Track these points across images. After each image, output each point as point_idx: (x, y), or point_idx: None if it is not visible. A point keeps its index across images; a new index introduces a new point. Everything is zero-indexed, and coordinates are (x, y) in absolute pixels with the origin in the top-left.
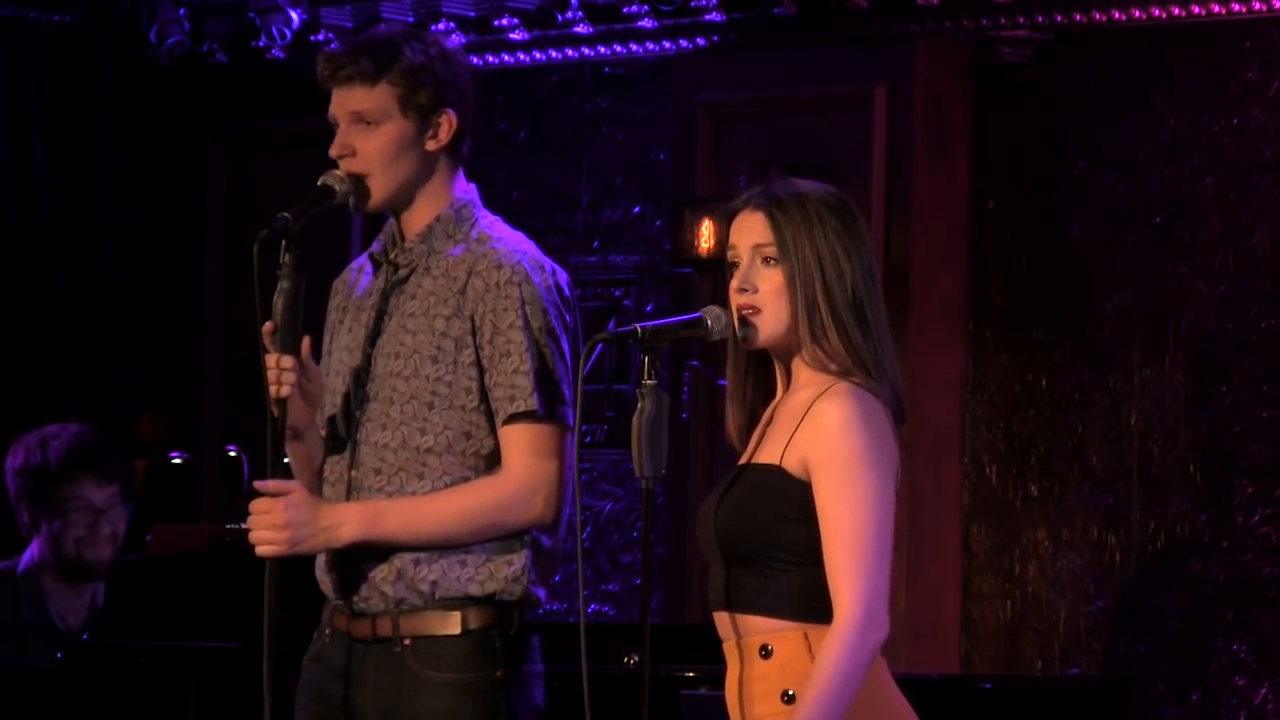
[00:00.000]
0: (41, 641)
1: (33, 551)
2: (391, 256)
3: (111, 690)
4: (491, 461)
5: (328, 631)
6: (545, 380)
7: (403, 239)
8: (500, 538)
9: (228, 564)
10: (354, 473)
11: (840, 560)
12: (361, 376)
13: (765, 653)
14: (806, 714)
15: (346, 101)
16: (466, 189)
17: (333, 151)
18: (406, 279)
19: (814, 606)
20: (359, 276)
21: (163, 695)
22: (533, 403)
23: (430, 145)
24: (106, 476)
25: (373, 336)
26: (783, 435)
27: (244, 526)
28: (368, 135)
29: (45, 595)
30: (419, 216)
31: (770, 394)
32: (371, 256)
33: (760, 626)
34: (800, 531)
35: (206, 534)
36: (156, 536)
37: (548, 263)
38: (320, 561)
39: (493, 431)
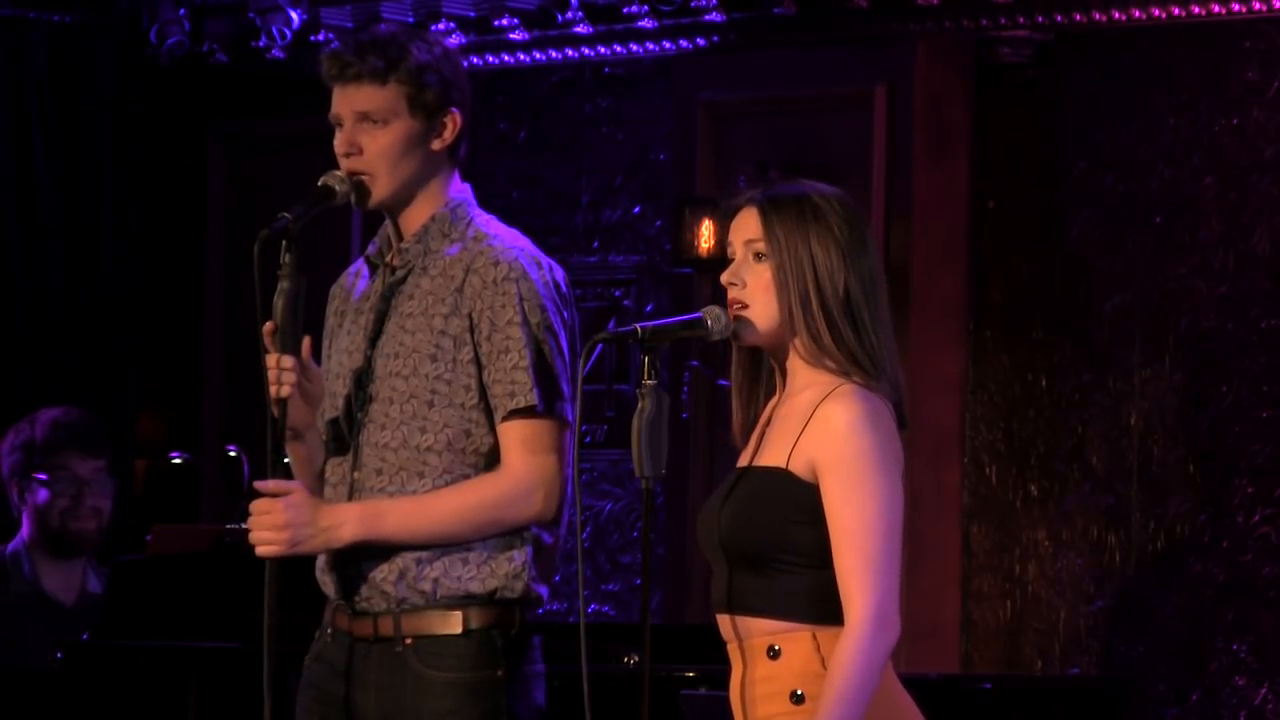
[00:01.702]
0: (36, 616)
1: (22, 534)
2: (387, 258)
3: (111, 690)
4: (491, 459)
5: (329, 631)
6: (544, 376)
7: (399, 240)
8: (501, 535)
9: (228, 564)
10: (356, 474)
11: (850, 563)
12: (361, 378)
13: (773, 653)
14: (826, 719)
15: (353, 101)
16: (461, 189)
17: (338, 149)
18: (404, 279)
19: (823, 608)
20: (355, 280)
21: (163, 695)
22: (532, 398)
23: (435, 145)
24: (91, 450)
25: (372, 338)
26: (787, 437)
27: (244, 526)
28: (375, 134)
29: (36, 572)
30: (415, 217)
31: (774, 394)
32: (367, 259)
33: (767, 628)
34: (809, 534)
35: (206, 534)
36: (156, 536)
37: (545, 259)
38: (321, 561)
39: (492, 429)
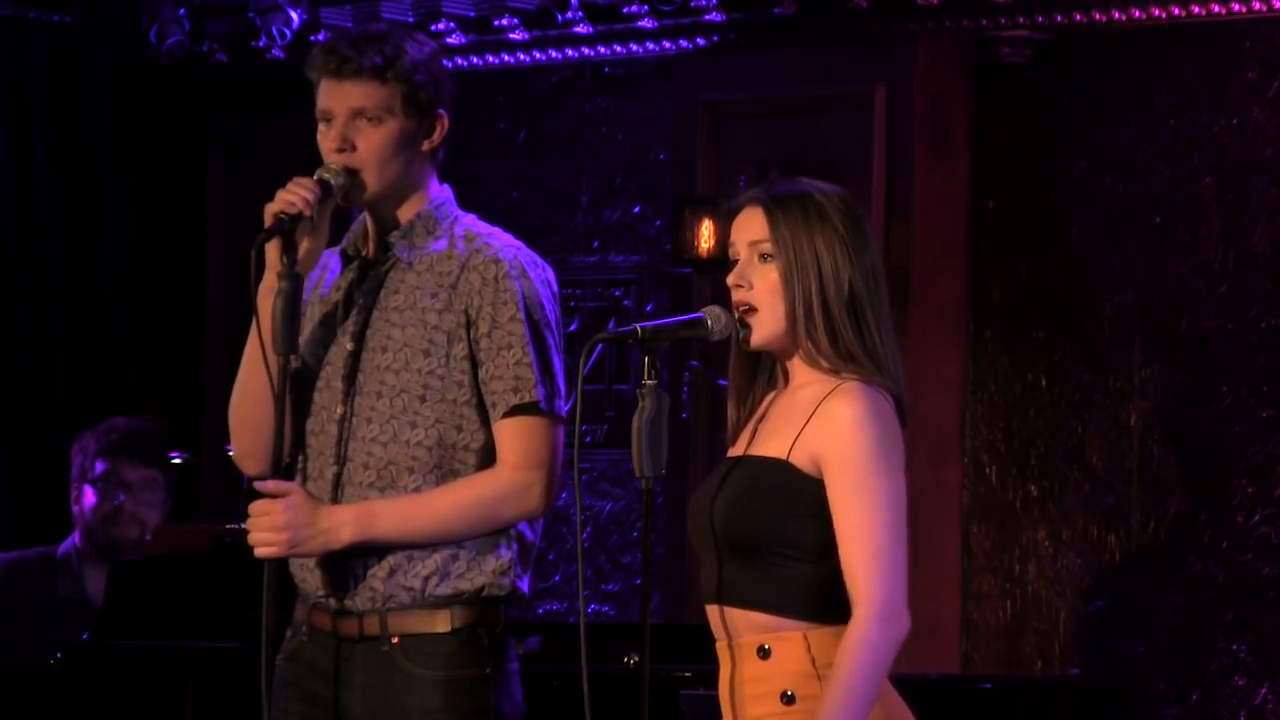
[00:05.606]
0: (77, 619)
1: (74, 538)
2: (364, 253)
3: (111, 690)
4: (480, 456)
5: (304, 629)
6: (545, 372)
7: (379, 235)
8: (494, 532)
9: (228, 564)
10: (341, 468)
11: (857, 557)
12: (346, 372)
13: (763, 653)
14: (831, 710)
15: (349, 97)
16: (441, 189)
17: (329, 144)
18: (386, 274)
19: (816, 605)
20: (323, 274)
21: (162, 695)
22: (536, 394)
23: (425, 145)
24: (142, 458)
25: (357, 332)
26: (789, 430)
27: (243, 527)
28: (368, 131)
29: (83, 575)
30: (400, 214)
31: (771, 389)
32: (342, 251)
33: (759, 623)
34: (807, 527)
35: (206, 534)
36: (156, 536)
37: (538, 259)
38: (304, 559)
39: (484, 426)
